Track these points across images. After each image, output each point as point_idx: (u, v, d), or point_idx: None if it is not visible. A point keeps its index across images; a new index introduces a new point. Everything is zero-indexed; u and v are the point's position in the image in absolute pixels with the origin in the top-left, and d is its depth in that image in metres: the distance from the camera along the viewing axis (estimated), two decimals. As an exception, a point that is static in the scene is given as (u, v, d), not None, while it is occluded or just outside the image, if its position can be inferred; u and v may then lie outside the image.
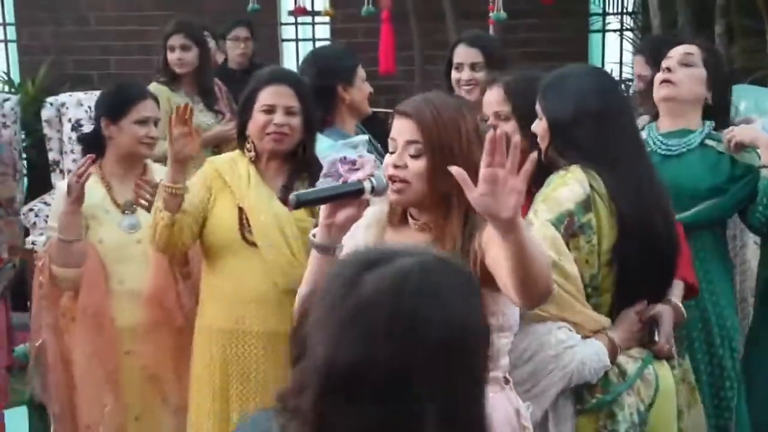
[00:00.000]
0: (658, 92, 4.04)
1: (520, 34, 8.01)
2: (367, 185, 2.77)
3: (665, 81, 3.99)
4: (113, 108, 4.45)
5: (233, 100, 6.36)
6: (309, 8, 8.95)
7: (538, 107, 3.53)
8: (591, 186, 3.30)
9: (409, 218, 3.00)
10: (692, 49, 4.04)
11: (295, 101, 3.99)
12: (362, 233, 3.03)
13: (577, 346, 3.31)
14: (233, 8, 8.24)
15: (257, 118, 3.93)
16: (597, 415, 3.40)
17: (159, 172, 4.45)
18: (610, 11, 10.63)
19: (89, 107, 7.42)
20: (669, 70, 3.97)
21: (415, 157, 2.82)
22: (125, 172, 4.47)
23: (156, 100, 4.61)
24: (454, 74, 5.09)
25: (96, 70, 9.75)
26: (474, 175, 2.46)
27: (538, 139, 3.53)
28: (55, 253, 4.38)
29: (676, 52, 4.04)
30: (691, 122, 3.99)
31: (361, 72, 4.78)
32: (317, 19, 10.24)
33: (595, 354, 3.30)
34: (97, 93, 5.03)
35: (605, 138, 3.45)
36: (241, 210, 3.93)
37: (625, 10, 10.52)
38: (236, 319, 3.86)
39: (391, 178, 2.83)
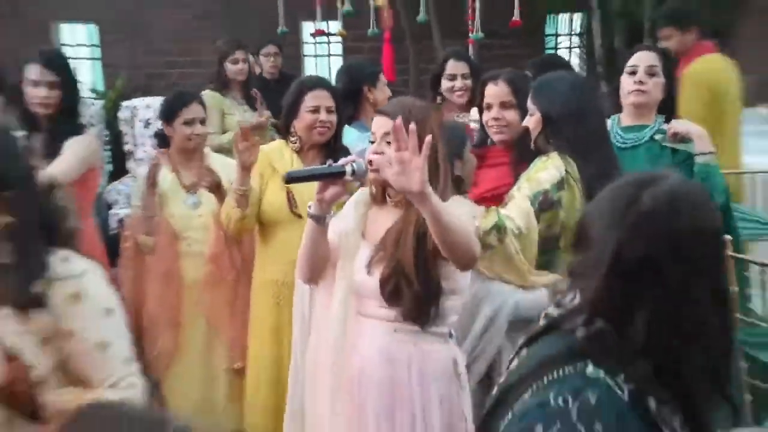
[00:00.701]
0: (629, 98, 3.97)
1: (494, 50, 7.94)
2: (348, 168, 2.79)
3: (637, 90, 3.95)
4: (167, 112, 4.45)
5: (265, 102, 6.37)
6: (326, 30, 8.90)
7: (530, 104, 3.53)
8: (566, 170, 3.33)
9: (387, 197, 3.01)
10: (655, 60, 4.00)
11: (332, 102, 4.03)
12: (351, 207, 3.08)
13: (515, 293, 3.36)
14: (268, 29, 8.19)
15: (305, 117, 3.97)
16: None
17: (216, 159, 4.50)
18: (562, 33, 10.57)
19: (155, 109, 7.40)
20: (641, 82, 3.92)
21: (390, 144, 2.75)
22: (186, 160, 4.46)
23: (203, 103, 4.57)
24: (447, 83, 5.03)
25: (160, 80, 9.69)
26: (435, 162, 2.80)
27: (531, 130, 3.52)
28: (138, 224, 4.43)
29: (643, 63, 3.97)
30: (649, 119, 3.96)
31: (382, 77, 4.87)
32: (332, 38, 10.18)
33: (533, 299, 3.30)
34: (161, 98, 5.03)
35: (583, 131, 3.47)
36: (288, 190, 3.92)
37: (572, 32, 10.48)
38: (285, 273, 3.85)
39: (371, 162, 2.81)
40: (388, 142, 2.78)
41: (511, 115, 3.69)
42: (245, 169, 3.86)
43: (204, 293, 4.40)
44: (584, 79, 3.92)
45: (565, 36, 10.58)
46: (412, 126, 2.48)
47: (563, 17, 10.33)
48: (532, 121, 3.52)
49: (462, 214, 2.78)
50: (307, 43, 10.35)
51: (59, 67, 4.49)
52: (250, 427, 4.12)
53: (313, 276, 3.07)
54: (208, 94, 5.90)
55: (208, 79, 6.50)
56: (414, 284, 2.79)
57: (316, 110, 3.98)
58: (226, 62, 6.29)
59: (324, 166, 2.92)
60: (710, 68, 5.18)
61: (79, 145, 4.34)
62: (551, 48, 10.53)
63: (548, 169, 3.37)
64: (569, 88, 3.61)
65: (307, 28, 10.13)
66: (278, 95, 4.58)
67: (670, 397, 1.61)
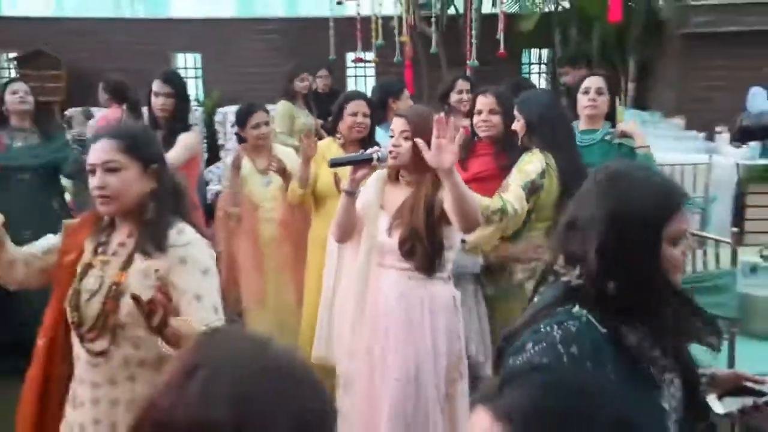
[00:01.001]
0: (584, 111, 3.96)
1: (484, 74, 7.85)
2: (375, 156, 2.88)
3: (591, 106, 3.93)
4: (240, 119, 4.49)
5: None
6: (363, 58, 8.84)
7: (516, 112, 3.56)
8: (546, 162, 3.37)
9: (400, 177, 3.04)
10: (602, 83, 3.96)
11: (367, 109, 4.09)
12: (372, 184, 3.07)
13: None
14: (322, 57, 8.17)
15: (347, 120, 4.03)
16: None
17: (279, 149, 4.50)
18: (534, 62, 10.48)
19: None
20: (593, 99, 3.91)
21: (405, 139, 2.91)
22: (258, 152, 4.47)
23: (266, 110, 4.58)
24: (456, 96, 4.88)
25: (244, 93, 9.69)
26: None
27: (518, 132, 3.54)
28: (227, 199, 4.50)
29: (594, 85, 3.95)
30: (599, 125, 3.94)
31: (406, 92, 4.98)
32: (368, 64, 10.11)
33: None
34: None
35: (555, 133, 3.48)
36: (335, 173, 3.88)
37: (541, 62, 10.39)
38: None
39: (391, 151, 2.93)
40: (405, 138, 2.90)
41: (496, 118, 3.69)
42: (307, 159, 3.95)
43: (278, 248, 4.42)
44: (554, 95, 3.91)
45: (536, 64, 10.44)
46: (452, 119, 2.61)
47: (534, 51, 10.19)
48: (519, 126, 3.53)
49: (513, 193, 3.10)
50: (349, 67, 10.21)
51: (174, 82, 4.53)
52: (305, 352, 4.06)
53: (344, 237, 3.07)
54: (282, 103, 6.08)
55: (278, 93, 6.44)
56: (425, 243, 2.86)
57: (355, 114, 4.04)
58: (295, 80, 6.24)
59: (357, 154, 2.99)
60: None
61: (187, 140, 4.35)
62: (526, 73, 10.41)
63: (533, 162, 3.40)
64: (545, 101, 3.66)
65: (350, 56, 10.05)
66: (328, 105, 4.76)
67: (646, 331, 1.56)
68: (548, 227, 3.43)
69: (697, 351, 3.77)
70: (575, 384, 1.08)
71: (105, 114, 6.17)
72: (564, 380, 1.09)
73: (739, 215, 6.06)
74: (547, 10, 8.76)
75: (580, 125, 4.08)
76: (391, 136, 3.01)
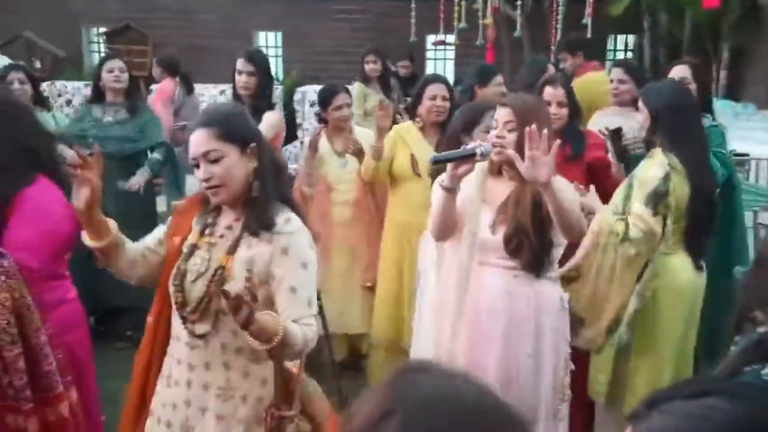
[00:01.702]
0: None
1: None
2: (479, 150, 2.51)
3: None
4: (323, 101, 4.37)
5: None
6: (444, 40, 8.65)
7: (641, 104, 3.26)
8: (669, 164, 3.03)
9: (503, 171, 2.73)
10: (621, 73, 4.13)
11: (447, 92, 3.96)
12: (473, 178, 2.72)
13: None
14: (403, 39, 8.02)
15: (426, 103, 3.90)
16: None
17: (358, 132, 4.36)
18: (619, 48, 10.08)
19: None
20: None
21: (510, 131, 2.60)
22: (338, 133, 4.33)
23: (348, 92, 4.48)
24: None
25: (323, 73, 9.56)
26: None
27: (642, 124, 3.29)
28: (303, 178, 4.40)
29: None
30: None
31: (497, 78, 4.50)
32: (449, 47, 9.89)
33: None
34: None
35: (683, 128, 3.18)
36: (412, 156, 3.85)
37: (627, 48, 9.98)
38: (408, 215, 3.82)
39: (494, 144, 2.60)
40: (510, 130, 2.60)
41: (564, 111, 3.55)
42: (381, 130, 3.88)
43: (349, 230, 4.29)
44: (682, 85, 3.55)
45: (621, 51, 10.03)
46: (545, 131, 2.38)
47: (620, 37, 9.79)
48: (643, 118, 3.24)
49: (570, 196, 2.60)
50: (429, 50, 10.01)
51: (257, 61, 4.46)
52: (376, 333, 3.97)
53: (444, 235, 2.77)
54: (356, 85, 6.08)
55: (355, 75, 6.36)
56: (532, 240, 2.60)
57: (434, 98, 3.91)
58: (364, 63, 6.27)
59: (460, 149, 2.62)
60: (586, 82, 4.83)
61: (271, 118, 4.28)
62: (610, 59, 10.02)
63: (653, 168, 3.04)
64: (674, 91, 3.33)
65: (430, 39, 9.86)
66: (409, 89, 4.96)
67: None
68: (684, 229, 3.16)
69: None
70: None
71: (160, 86, 6.26)
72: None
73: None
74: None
75: None
76: (495, 127, 2.71)
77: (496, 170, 2.77)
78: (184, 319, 2.21)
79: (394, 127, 4.06)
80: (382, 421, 0.94)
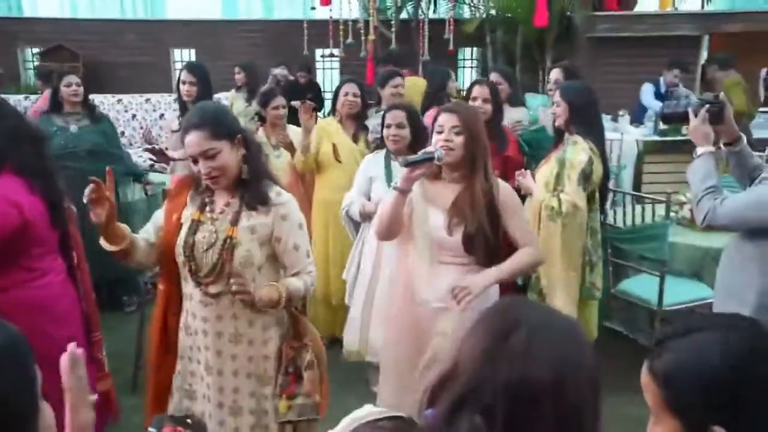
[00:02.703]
0: None
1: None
2: (437, 154, 2.28)
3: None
4: (263, 102, 4.31)
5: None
6: (332, 53, 8.67)
7: (558, 97, 3.26)
8: (590, 149, 3.14)
9: (443, 175, 2.45)
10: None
11: (358, 90, 4.02)
12: (417, 184, 2.41)
13: None
14: (295, 53, 7.88)
15: (341, 99, 4.02)
16: None
17: (290, 129, 4.33)
18: (467, 58, 10.35)
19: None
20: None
21: (457, 134, 2.36)
22: (273, 130, 4.31)
23: (284, 96, 4.37)
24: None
25: (230, 82, 9.48)
26: (485, 149, 2.40)
27: (558, 114, 3.24)
28: None
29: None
30: None
31: (396, 80, 4.30)
32: (334, 59, 9.86)
33: None
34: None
35: (594, 119, 3.27)
36: (334, 145, 3.88)
37: (473, 58, 10.30)
38: (331, 195, 3.84)
39: (444, 147, 2.34)
40: (457, 133, 2.35)
41: (489, 107, 3.55)
42: (307, 129, 3.88)
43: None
44: (587, 84, 3.62)
45: (468, 60, 10.36)
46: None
47: (467, 50, 10.11)
48: (561, 110, 3.23)
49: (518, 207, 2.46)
50: (318, 61, 9.97)
51: (198, 72, 4.44)
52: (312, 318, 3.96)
53: (390, 235, 2.47)
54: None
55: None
56: (491, 240, 2.36)
57: (347, 95, 3.99)
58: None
59: (420, 154, 2.31)
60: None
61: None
62: (461, 68, 10.33)
63: (579, 153, 3.11)
64: (586, 89, 3.38)
65: (318, 52, 9.85)
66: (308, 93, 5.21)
67: None
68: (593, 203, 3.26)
69: (637, 286, 3.81)
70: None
71: (42, 96, 6.00)
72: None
73: (638, 179, 6.14)
74: (484, 15, 8.66)
75: None
76: (439, 132, 2.41)
77: (435, 174, 2.47)
78: (198, 283, 2.22)
79: (318, 122, 4.04)
80: (510, 333, 0.92)
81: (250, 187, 2.19)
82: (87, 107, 4.42)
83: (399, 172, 2.73)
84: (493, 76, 4.34)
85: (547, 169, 3.18)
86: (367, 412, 1.09)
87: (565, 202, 3.02)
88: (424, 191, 2.45)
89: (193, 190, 2.27)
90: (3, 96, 5.81)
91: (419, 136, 3.26)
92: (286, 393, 2.26)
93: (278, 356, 2.29)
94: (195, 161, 2.15)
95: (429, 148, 2.33)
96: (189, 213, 2.25)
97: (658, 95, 6.57)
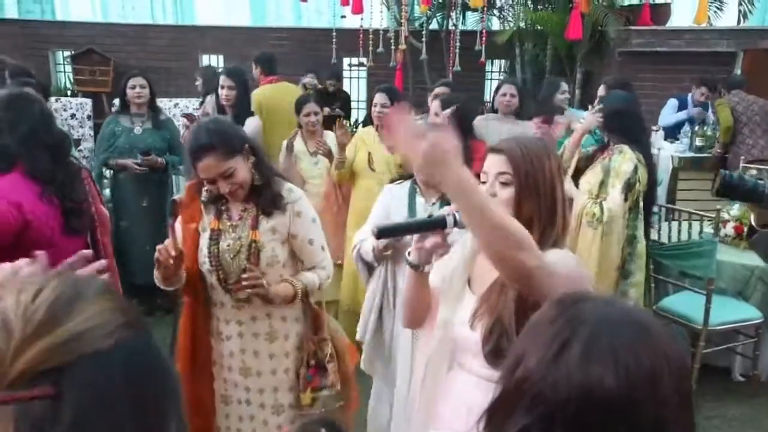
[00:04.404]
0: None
1: (461, 79, 7.76)
2: (449, 219, 1.53)
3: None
4: (296, 109, 4.34)
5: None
6: (361, 62, 8.71)
7: (598, 103, 3.35)
8: (637, 158, 3.17)
9: None
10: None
11: (387, 101, 4.01)
12: (459, 250, 1.71)
13: None
14: (324, 61, 7.89)
15: (374, 110, 4.08)
16: None
17: (328, 136, 4.33)
18: (495, 70, 10.37)
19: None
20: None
21: (503, 184, 1.60)
22: (310, 136, 4.35)
23: (318, 101, 4.43)
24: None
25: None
26: (553, 206, 1.59)
27: (601, 126, 3.26)
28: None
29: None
30: None
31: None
32: (362, 68, 9.89)
33: None
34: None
35: (638, 126, 3.31)
36: (369, 153, 3.87)
37: (501, 70, 10.29)
38: (367, 201, 3.62)
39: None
40: (503, 183, 1.61)
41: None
42: (341, 144, 3.91)
43: (320, 217, 4.24)
44: (633, 93, 3.64)
45: (496, 72, 10.35)
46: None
47: (497, 61, 10.09)
48: (598, 119, 3.31)
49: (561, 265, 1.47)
50: (345, 69, 9.98)
51: (236, 76, 4.49)
52: (343, 300, 3.82)
53: (414, 322, 1.83)
54: None
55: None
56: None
57: (376, 105, 4.05)
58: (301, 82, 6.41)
59: (422, 218, 1.74)
60: (262, 92, 4.94)
61: (253, 123, 4.39)
62: (489, 80, 10.31)
63: (625, 162, 3.16)
64: (630, 99, 3.46)
65: (346, 61, 9.86)
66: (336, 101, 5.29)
67: None
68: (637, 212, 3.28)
69: (680, 303, 3.75)
70: None
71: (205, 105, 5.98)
72: None
73: (672, 195, 6.09)
74: (515, 28, 8.64)
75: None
76: (483, 182, 1.64)
77: None
78: (227, 290, 2.25)
79: (358, 131, 4.10)
80: (564, 350, 0.78)
81: (264, 192, 2.23)
82: (152, 110, 4.48)
83: (425, 210, 2.47)
84: (508, 88, 4.37)
85: (592, 176, 3.23)
86: None
87: (606, 210, 3.08)
88: (468, 264, 1.69)
89: (205, 198, 2.29)
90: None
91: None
92: (311, 386, 2.30)
93: (299, 350, 2.33)
94: (212, 182, 2.16)
95: (446, 208, 1.59)
96: (206, 222, 2.27)
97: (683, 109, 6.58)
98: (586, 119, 3.44)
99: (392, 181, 2.77)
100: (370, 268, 2.73)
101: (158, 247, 2.09)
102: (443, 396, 1.64)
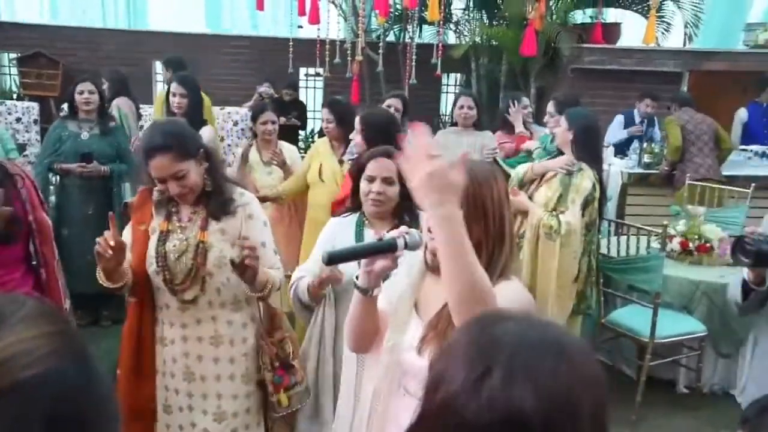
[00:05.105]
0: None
1: (417, 91, 7.82)
2: (400, 242, 1.51)
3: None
4: (252, 117, 4.45)
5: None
6: (318, 72, 8.68)
7: (564, 122, 3.34)
8: (595, 177, 3.24)
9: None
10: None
11: (330, 115, 3.98)
12: (404, 274, 1.69)
13: None
14: (281, 70, 7.89)
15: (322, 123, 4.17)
16: None
17: (283, 146, 4.33)
18: (451, 83, 10.48)
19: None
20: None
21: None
22: (265, 146, 4.37)
23: (275, 111, 4.40)
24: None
25: (214, 98, 9.42)
26: (501, 229, 1.56)
27: (559, 143, 3.36)
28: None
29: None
30: None
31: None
32: (318, 78, 9.89)
33: None
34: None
35: (597, 147, 3.41)
36: (321, 165, 3.88)
37: (457, 83, 10.40)
38: (317, 213, 3.76)
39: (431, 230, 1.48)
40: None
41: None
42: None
43: (273, 228, 4.22)
44: (590, 112, 3.73)
45: (452, 86, 10.45)
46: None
47: (453, 75, 10.19)
48: (565, 135, 3.35)
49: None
50: (302, 79, 9.96)
51: (188, 84, 4.39)
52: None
53: (360, 347, 1.77)
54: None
55: (244, 98, 6.25)
56: None
57: (323, 121, 4.06)
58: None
59: (372, 241, 1.58)
60: None
61: (207, 133, 4.18)
62: (444, 92, 10.42)
63: (585, 180, 3.25)
64: (592, 117, 3.52)
65: (302, 71, 9.84)
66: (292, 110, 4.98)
67: None
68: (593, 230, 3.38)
69: (628, 316, 3.82)
70: None
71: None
72: None
73: (621, 210, 6.22)
74: (471, 43, 8.75)
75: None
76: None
77: (436, 267, 1.53)
78: (174, 291, 2.24)
79: (316, 142, 4.09)
80: (484, 378, 0.76)
81: (214, 197, 2.24)
82: (101, 117, 4.40)
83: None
84: (465, 101, 4.47)
85: (548, 189, 3.29)
86: None
87: (564, 224, 3.15)
88: (415, 288, 1.67)
89: (156, 200, 2.29)
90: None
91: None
92: (283, 386, 2.30)
93: (260, 354, 2.32)
94: (162, 181, 2.16)
95: (397, 231, 1.55)
96: (156, 224, 2.27)
97: (631, 126, 6.74)
98: (560, 161, 3.44)
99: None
100: (307, 308, 2.54)
101: (98, 239, 2.05)
102: (388, 421, 1.60)
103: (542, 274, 3.22)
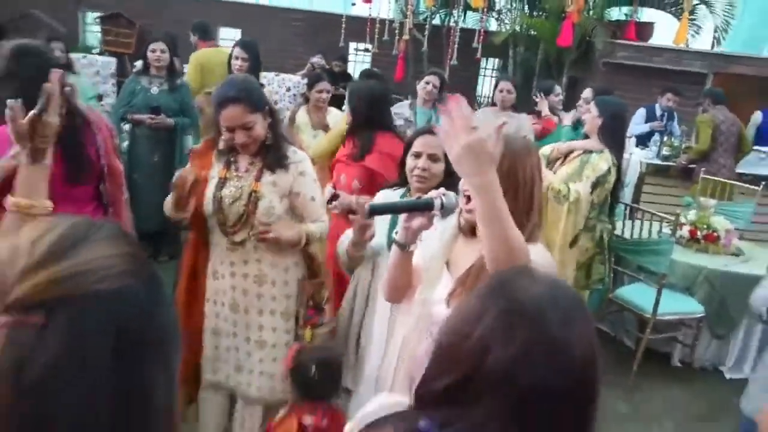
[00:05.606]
0: None
1: (458, 72, 7.74)
2: (437, 202, 1.53)
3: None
4: (309, 84, 4.30)
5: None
6: (367, 48, 8.60)
7: (594, 108, 3.28)
8: (612, 162, 3.20)
9: (478, 233, 1.42)
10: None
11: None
12: (438, 235, 1.71)
13: None
14: (332, 44, 7.83)
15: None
16: None
17: (331, 111, 4.31)
18: (488, 68, 10.33)
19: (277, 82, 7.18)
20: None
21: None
22: (315, 111, 4.30)
23: (331, 82, 4.39)
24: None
25: (270, 64, 9.40)
26: (530, 200, 1.56)
27: (588, 129, 3.28)
28: None
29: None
30: None
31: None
32: (366, 53, 9.82)
33: None
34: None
35: (621, 134, 3.38)
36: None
37: (494, 68, 10.25)
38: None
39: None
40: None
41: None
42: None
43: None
44: (619, 99, 3.68)
45: (489, 70, 10.30)
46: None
47: (492, 60, 10.05)
48: (594, 121, 3.28)
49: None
50: (351, 54, 9.90)
51: (250, 49, 4.44)
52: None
53: (396, 297, 1.81)
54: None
55: (294, 68, 6.22)
56: None
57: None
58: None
59: (411, 199, 1.69)
60: (202, 54, 4.92)
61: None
62: (482, 76, 10.27)
63: (602, 161, 3.22)
64: (622, 105, 3.47)
65: (352, 46, 9.78)
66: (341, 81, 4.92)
67: None
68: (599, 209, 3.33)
69: (634, 293, 3.82)
70: None
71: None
72: None
73: (637, 197, 6.15)
74: (511, 31, 8.61)
75: None
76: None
77: (468, 230, 1.65)
78: (225, 233, 2.30)
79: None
80: (484, 314, 0.81)
81: (272, 151, 2.26)
82: (170, 73, 4.45)
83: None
84: (503, 84, 4.41)
85: (570, 167, 3.27)
86: (376, 406, 0.95)
87: (573, 191, 3.15)
88: (446, 248, 1.69)
89: (218, 149, 2.33)
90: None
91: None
92: (310, 324, 2.36)
93: (299, 294, 2.38)
94: (231, 130, 2.19)
95: (433, 192, 1.58)
96: (216, 171, 2.32)
97: (652, 119, 6.58)
98: (585, 142, 3.40)
99: (388, 186, 2.51)
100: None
101: (178, 172, 2.15)
102: (416, 363, 1.58)
103: (547, 237, 3.21)
